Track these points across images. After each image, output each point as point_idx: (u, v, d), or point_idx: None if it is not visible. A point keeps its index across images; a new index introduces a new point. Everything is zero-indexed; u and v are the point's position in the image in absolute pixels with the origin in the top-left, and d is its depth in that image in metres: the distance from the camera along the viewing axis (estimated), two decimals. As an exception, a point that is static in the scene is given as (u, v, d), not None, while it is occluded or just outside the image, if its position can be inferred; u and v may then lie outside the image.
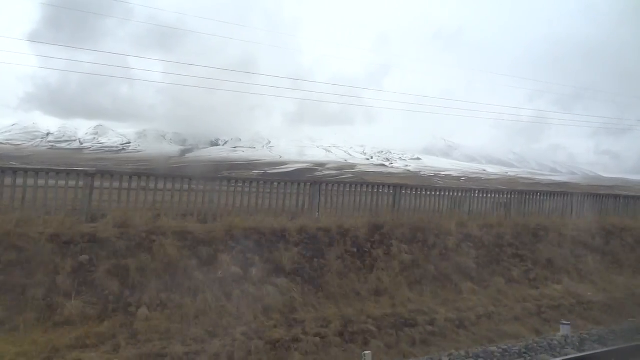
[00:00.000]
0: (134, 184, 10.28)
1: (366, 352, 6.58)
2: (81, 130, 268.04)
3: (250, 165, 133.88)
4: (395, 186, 13.52)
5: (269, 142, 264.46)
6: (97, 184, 9.62)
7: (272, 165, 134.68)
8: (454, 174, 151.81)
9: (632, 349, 7.43)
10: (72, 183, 9.52)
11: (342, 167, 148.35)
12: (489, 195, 15.00)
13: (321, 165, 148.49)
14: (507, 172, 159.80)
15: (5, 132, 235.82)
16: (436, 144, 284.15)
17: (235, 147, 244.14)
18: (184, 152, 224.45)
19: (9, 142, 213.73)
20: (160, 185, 10.52)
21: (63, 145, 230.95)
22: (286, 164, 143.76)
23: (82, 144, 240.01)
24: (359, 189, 12.71)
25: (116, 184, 9.98)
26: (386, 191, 12.99)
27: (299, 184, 12.09)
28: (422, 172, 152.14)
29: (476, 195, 14.45)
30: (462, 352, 7.30)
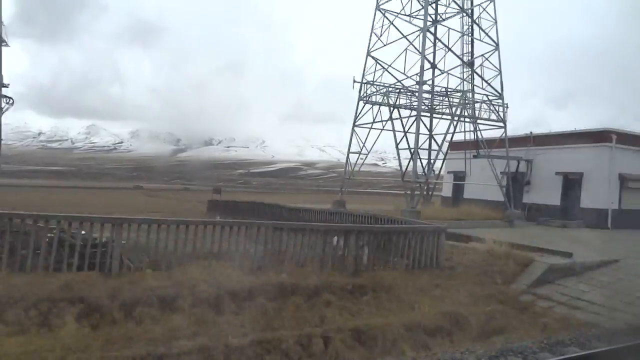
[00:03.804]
0: None
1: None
2: (73, 129, 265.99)
3: (236, 164, 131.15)
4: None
5: (263, 142, 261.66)
6: None
7: (259, 165, 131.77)
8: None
9: None
10: None
11: (331, 167, 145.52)
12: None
13: (309, 164, 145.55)
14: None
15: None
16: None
17: (228, 147, 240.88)
18: (176, 152, 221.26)
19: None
20: None
21: (54, 144, 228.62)
22: (274, 164, 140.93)
23: (73, 143, 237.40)
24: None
25: None
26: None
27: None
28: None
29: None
30: None
